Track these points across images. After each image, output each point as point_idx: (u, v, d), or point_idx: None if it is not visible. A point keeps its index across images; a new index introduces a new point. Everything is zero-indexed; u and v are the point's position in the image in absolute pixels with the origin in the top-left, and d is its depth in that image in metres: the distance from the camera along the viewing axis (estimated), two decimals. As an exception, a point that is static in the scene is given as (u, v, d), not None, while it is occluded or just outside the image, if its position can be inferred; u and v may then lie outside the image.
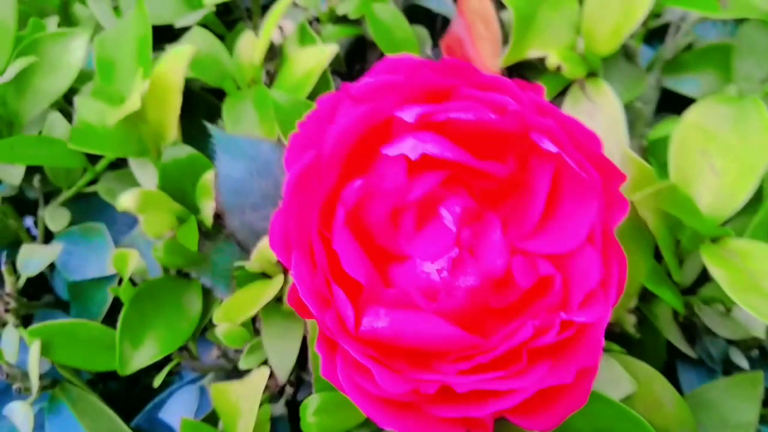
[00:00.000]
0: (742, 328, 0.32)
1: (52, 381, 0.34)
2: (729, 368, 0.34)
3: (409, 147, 0.24)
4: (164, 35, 0.40)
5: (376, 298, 0.24)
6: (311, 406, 0.27)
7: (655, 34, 0.42)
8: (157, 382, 0.31)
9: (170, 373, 0.35)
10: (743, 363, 0.33)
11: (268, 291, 0.28)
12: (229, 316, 0.28)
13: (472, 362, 0.23)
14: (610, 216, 0.24)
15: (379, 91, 0.25)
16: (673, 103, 0.40)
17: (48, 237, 0.37)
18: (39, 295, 0.38)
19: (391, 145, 0.24)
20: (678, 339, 0.34)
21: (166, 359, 0.33)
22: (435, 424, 0.23)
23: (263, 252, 0.29)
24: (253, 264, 0.29)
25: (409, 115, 0.24)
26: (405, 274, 0.25)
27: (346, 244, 0.24)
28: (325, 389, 0.27)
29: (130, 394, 0.37)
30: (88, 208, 0.37)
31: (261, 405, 0.30)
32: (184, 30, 0.39)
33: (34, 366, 0.30)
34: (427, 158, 0.25)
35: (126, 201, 0.30)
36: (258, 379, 0.28)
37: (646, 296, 0.33)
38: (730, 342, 0.34)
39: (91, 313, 0.35)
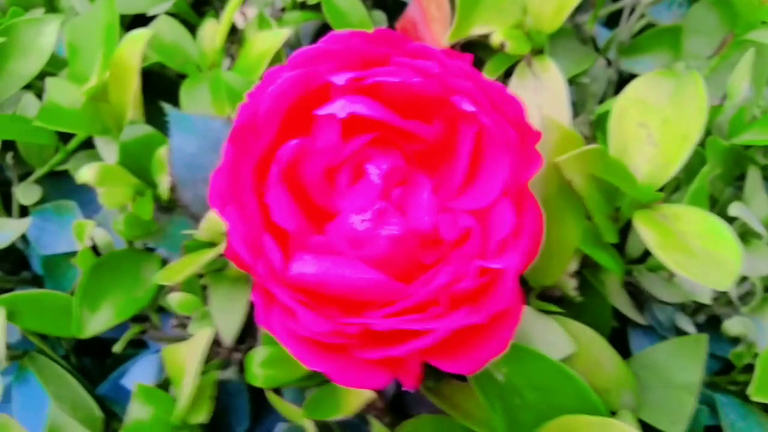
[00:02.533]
0: (683, 293, 0.33)
1: (22, 352, 0.35)
2: (679, 335, 0.35)
3: (338, 107, 0.26)
4: (140, 24, 0.42)
5: (304, 245, 0.25)
6: (257, 358, 0.29)
7: (615, 17, 0.44)
8: (118, 348, 0.33)
9: (138, 345, 0.37)
10: (690, 328, 0.34)
11: (210, 254, 0.30)
12: (169, 277, 0.29)
13: (395, 307, 0.24)
14: (526, 171, 0.25)
15: (315, 58, 0.27)
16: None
17: (23, 215, 0.39)
18: (17, 272, 0.40)
19: (323, 107, 0.26)
20: (626, 306, 0.35)
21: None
22: (359, 366, 0.24)
23: (211, 221, 0.30)
24: (201, 233, 0.31)
25: (340, 78, 0.26)
26: (336, 228, 0.26)
27: (278, 197, 0.25)
28: (271, 343, 0.29)
29: (103, 366, 0.38)
30: (62, 186, 0.39)
31: (209, 370, 0.32)
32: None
33: (1, 332, 0.32)
34: (360, 121, 0.26)
35: (85, 174, 0.31)
36: (200, 339, 0.29)
37: (591, 263, 0.34)
38: (677, 308, 0.35)
39: (63, 287, 0.37)
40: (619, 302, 0.35)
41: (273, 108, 0.26)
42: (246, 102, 0.27)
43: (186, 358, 0.30)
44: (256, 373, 0.29)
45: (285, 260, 0.24)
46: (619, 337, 0.35)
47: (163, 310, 0.35)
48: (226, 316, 0.30)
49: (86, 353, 0.40)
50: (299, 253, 0.25)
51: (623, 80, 0.41)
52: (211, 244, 0.31)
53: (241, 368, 0.34)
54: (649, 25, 0.43)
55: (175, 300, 0.31)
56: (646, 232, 0.30)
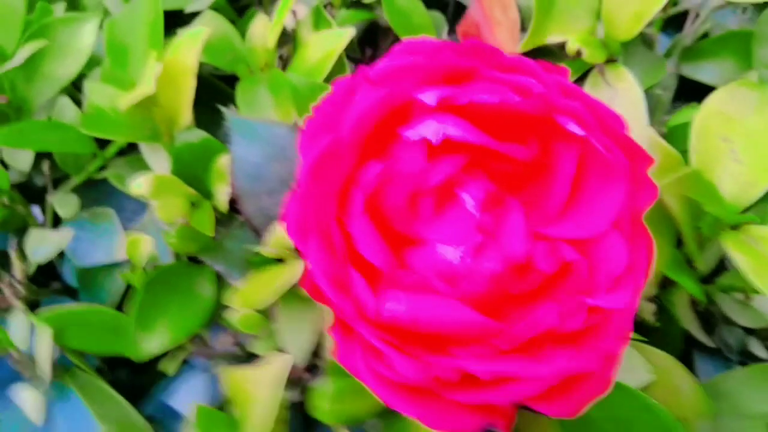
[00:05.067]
0: (761, 317, 0.32)
1: (60, 368, 0.33)
2: (746, 359, 0.34)
3: (430, 130, 0.23)
4: (174, 21, 0.40)
5: (394, 282, 0.23)
6: (325, 392, 0.27)
7: (671, 21, 0.42)
8: (172, 369, 0.31)
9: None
10: (761, 353, 0.33)
11: (286, 277, 0.28)
12: (247, 302, 0.27)
13: (494, 348, 0.22)
14: (638, 200, 0.24)
15: (398, 73, 0.25)
16: (689, 91, 0.39)
17: (56, 224, 0.36)
18: (46, 282, 0.38)
19: (411, 128, 0.24)
20: (695, 328, 0.33)
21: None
22: (455, 412, 0.22)
23: (277, 236, 0.28)
24: (268, 249, 0.29)
25: (429, 97, 0.24)
26: (424, 260, 0.24)
27: (364, 229, 0.23)
28: (338, 374, 0.27)
29: (138, 382, 0.36)
30: (96, 194, 0.36)
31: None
32: (194, 16, 0.38)
33: (46, 353, 0.30)
34: (446, 141, 0.24)
35: (139, 186, 0.29)
36: (277, 365, 0.27)
37: (663, 284, 0.32)
38: (748, 331, 0.33)
39: (100, 300, 0.35)
40: (689, 324, 0.33)
41: (357, 132, 0.24)
42: (318, 117, 0.25)
43: (256, 383, 0.28)
44: (323, 408, 0.27)
45: (375, 298, 0.22)
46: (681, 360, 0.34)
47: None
48: (297, 337, 0.28)
49: (121, 365, 0.38)
50: (389, 291, 0.23)
51: (679, 86, 0.40)
52: (278, 259, 0.29)
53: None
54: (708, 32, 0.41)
55: (237, 317, 0.29)
56: (738, 257, 0.28)
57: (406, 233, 0.25)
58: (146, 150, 0.34)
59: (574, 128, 0.23)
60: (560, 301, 0.23)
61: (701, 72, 0.39)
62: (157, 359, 0.33)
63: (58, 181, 0.37)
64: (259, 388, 0.27)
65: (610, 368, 0.23)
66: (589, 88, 0.34)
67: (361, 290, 0.22)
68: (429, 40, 0.26)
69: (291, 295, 0.29)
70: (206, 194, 0.31)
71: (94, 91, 0.33)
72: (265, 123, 0.30)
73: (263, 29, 0.35)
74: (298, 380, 0.29)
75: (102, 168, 0.36)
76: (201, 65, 0.38)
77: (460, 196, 0.25)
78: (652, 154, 0.28)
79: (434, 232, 0.25)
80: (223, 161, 0.30)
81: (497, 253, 0.24)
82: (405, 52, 0.26)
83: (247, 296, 0.27)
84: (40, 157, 0.36)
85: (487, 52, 0.26)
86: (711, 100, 0.32)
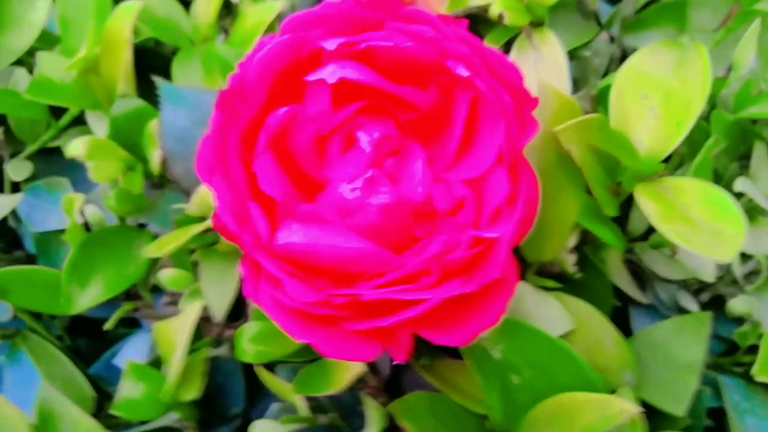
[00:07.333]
0: (686, 269, 0.32)
1: (15, 331, 0.35)
2: (681, 313, 0.34)
3: (329, 72, 0.25)
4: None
5: (292, 214, 0.25)
6: (246, 333, 0.28)
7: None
8: (109, 326, 0.33)
9: (133, 325, 0.37)
10: (693, 306, 0.33)
11: (200, 227, 0.29)
12: (158, 249, 0.29)
13: (386, 278, 0.23)
14: (522, 138, 0.25)
15: (306, 23, 0.26)
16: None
17: (15, 192, 0.38)
18: (11, 252, 0.39)
19: (313, 73, 0.25)
20: (627, 284, 0.34)
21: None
22: (348, 338, 0.24)
23: (202, 195, 0.30)
24: (192, 207, 0.30)
25: (331, 44, 0.25)
26: (325, 197, 0.26)
27: (265, 165, 0.25)
28: (261, 317, 0.28)
29: (98, 347, 0.38)
30: (54, 164, 0.38)
31: (201, 347, 0.31)
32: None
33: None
34: (352, 88, 0.26)
35: (74, 148, 0.31)
36: (190, 313, 0.29)
37: (595, 240, 0.33)
38: (680, 286, 0.34)
39: (56, 265, 0.36)
40: (620, 280, 0.34)
41: (261, 74, 0.25)
42: (237, 72, 0.26)
43: (176, 334, 0.29)
44: (245, 349, 0.28)
45: (272, 229, 0.24)
46: (621, 316, 0.35)
47: (156, 289, 0.35)
48: (217, 291, 0.30)
49: (81, 334, 0.39)
50: (287, 222, 0.24)
51: (626, 57, 0.40)
52: (202, 219, 0.30)
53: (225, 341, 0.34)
54: (652, 1, 0.42)
55: (166, 276, 0.31)
56: (648, 204, 0.29)
57: (314, 175, 0.27)
58: (91, 118, 0.35)
59: (462, 70, 0.24)
60: (448, 233, 0.24)
61: (642, 41, 0.40)
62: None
63: (17, 153, 0.39)
64: (178, 337, 0.29)
65: (499, 298, 0.24)
66: (516, 50, 0.34)
67: (258, 221, 0.24)
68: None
69: (212, 252, 0.30)
70: (143, 159, 0.33)
71: (44, 61, 0.35)
72: (193, 90, 0.32)
73: (205, 5, 0.37)
74: (221, 336, 0.31)
75: (56, 137, 0.37)
76: (161, 42, 0.40)
77: (358, 137, 0.26)
78: (548, 102, 0.29)
79: (335, 171, 0.26)
80: (153, 125, 0.32)
81: (391, 188, 0.25)
82: (318, 7, 0.27)
83: (158, 245, 0.29)
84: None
85: (390, 5, 0.27)
86: (632, 60, 0.32)
